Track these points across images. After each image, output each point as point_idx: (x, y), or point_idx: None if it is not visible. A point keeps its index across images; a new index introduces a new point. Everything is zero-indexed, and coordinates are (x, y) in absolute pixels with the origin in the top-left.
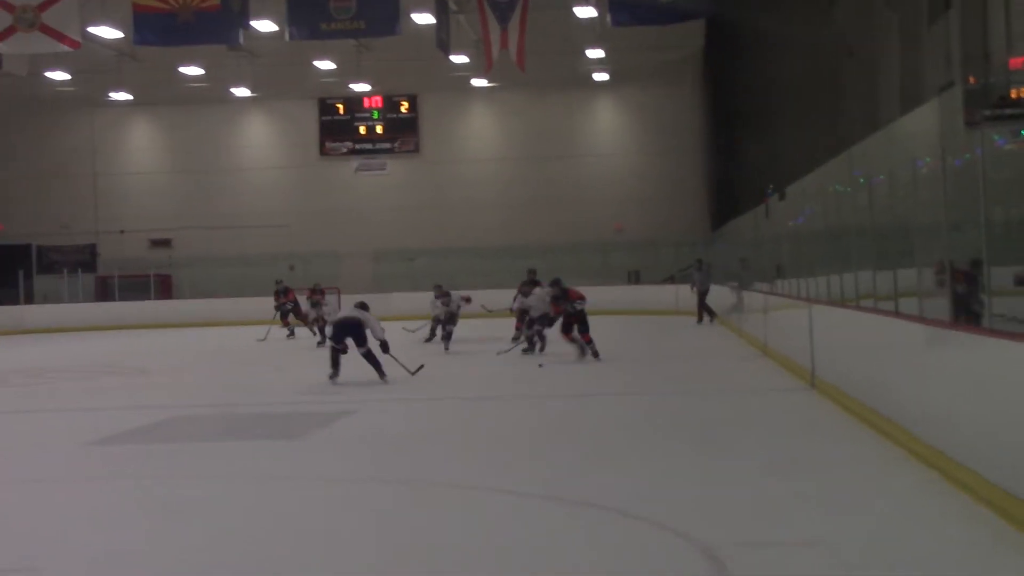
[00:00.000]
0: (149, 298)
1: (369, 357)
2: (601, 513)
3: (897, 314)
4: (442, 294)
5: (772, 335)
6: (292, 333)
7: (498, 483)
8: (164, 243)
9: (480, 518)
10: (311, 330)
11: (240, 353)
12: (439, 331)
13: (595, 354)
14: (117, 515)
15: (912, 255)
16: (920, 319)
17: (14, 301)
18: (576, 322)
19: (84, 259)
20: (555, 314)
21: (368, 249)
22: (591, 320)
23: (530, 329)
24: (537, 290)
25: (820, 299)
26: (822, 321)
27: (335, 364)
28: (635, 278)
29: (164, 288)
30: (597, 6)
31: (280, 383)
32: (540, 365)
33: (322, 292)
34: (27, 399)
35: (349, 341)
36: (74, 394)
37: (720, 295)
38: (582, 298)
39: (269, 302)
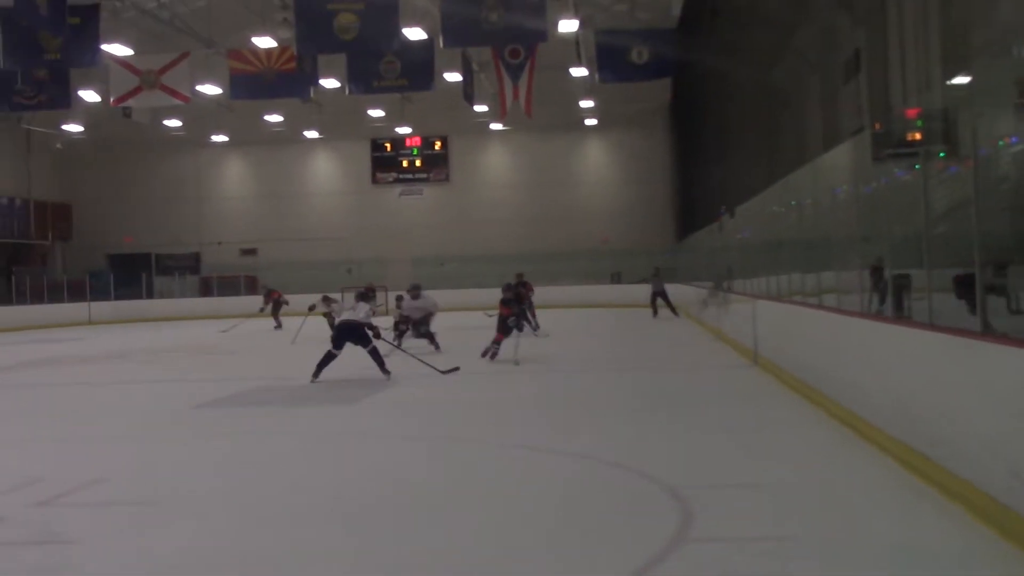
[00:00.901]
0: (240, 294)
1: (374, 355)
2: (589, 462)
3: (820, 307)
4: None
5: (725, 324)
6: (279, 326)
7: (504, 439)
8: (251, 252)
9: (491, 465)
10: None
11: (308, 338)
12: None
13: (492, 354)
14: (216, 463)
15: (831, 262)
16: (838, 310)
17: (138, 296)
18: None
19: (190, 264)
20: (505, 315)
21: (408, 256)
22: (581, 312)
23: (417, 332)
24: (424, 294)
25: (761, 295)
26: (763, 313)
27: (320, 367)
28: (617, 279)
29: (251, 286)
30: (588, 67)
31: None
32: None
33: (374, 291)
34: (147, 372)
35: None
36: (182, 368)
37: (682, 292)
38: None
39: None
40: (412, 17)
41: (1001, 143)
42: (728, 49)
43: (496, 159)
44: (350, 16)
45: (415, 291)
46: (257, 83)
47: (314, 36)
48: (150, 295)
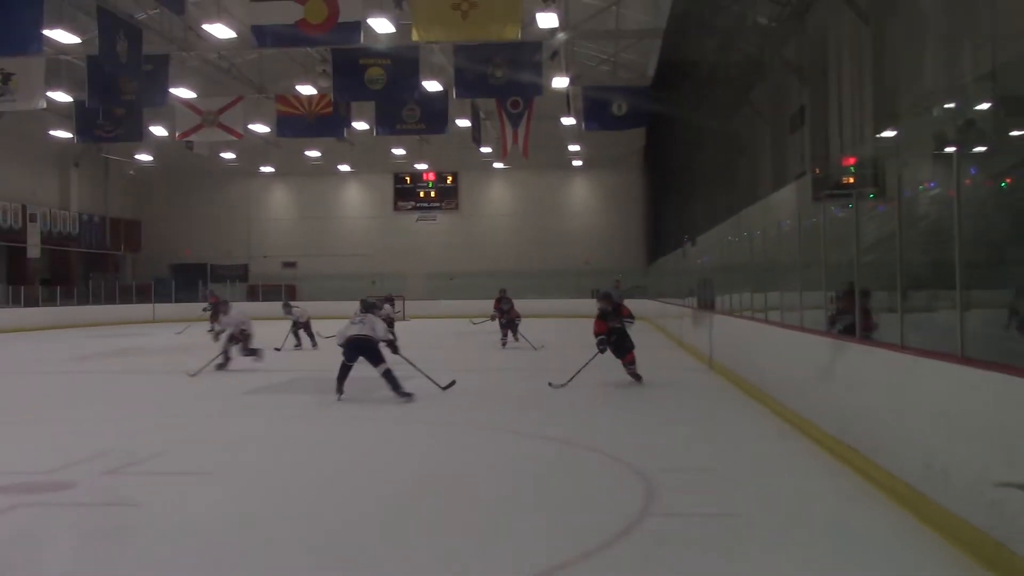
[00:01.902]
0: (281, 300)
1: (387, 377)
2: (570, 447)
3: (766, 321)
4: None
5: (685, 334)
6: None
7: (496, 425)
8: (291, 265)
9: (485, 447)
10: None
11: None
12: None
13: (636, 377)
14: (260, 441)
15: (775, 284)
16: (781, 324)
17: (195, 300)
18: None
19: (240, 274)
20: (598, 332)
21: (424, 271)
22: (565, 322)
23: (245, 349)
24: (233, 310)
25: (717, 311)
26: (718, 325)
27: (340, 382)
28: (597, 295)
29: (291, 294)
30: (576, 117)
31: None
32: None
33: (392, 300)
34: (203, 362)
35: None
36: (233, 362)
37: (650, 307)
38: (631, 316)
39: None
40: (430, 72)
41: (921, 188)
42: (694, 104)
43: (498, 192)
44: (378, 70)
45: (224, 305)
46: (300, 124)
47: (348, 86)
48: (205, 299)
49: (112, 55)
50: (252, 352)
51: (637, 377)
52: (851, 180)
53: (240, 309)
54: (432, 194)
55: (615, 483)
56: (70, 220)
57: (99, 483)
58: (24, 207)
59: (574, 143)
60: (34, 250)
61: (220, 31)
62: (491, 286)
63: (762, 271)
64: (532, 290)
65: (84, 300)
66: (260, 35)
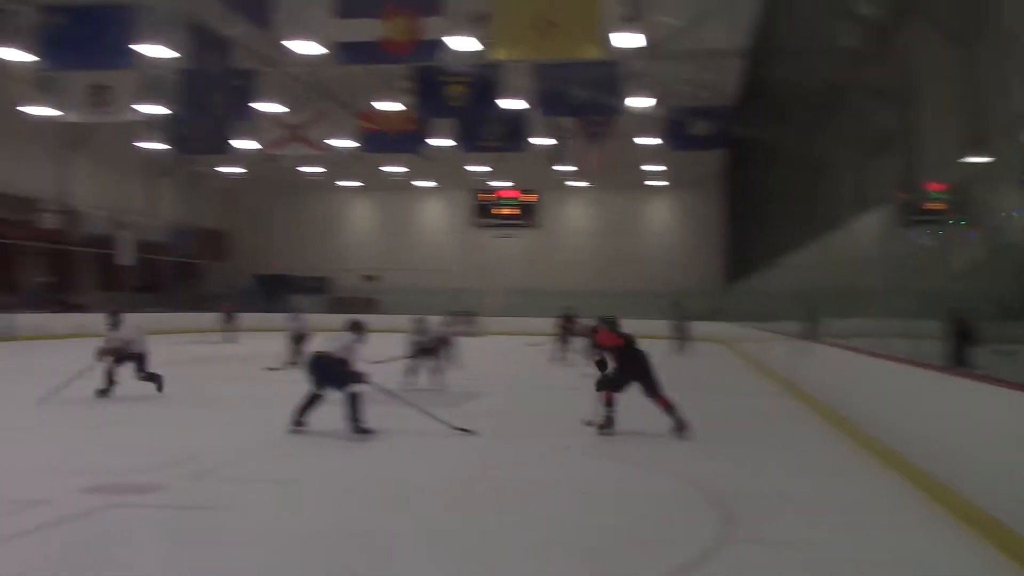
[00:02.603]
0: (360, 313)
1: (349, 404)
2: (643, 469)
3: (856, 349)
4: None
5: (766, 358)
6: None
7: (573, 444)
8: (371, 278)
9: (551, 464)
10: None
11: None
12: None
13: (680, 425)
14: (344, 450)
15: (860, 310)
16: (859, 350)
17: (278, 311)
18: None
19: (321, 286)
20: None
21: (501, 287)
22: (644, 343)
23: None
24: (127, 324)
25: (798, 336)
26: (800, 350)
27: (302, 411)
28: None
29: (370, 307)
30: (656, 137)
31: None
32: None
33: (467, 316)
34: (285, 372)
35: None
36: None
37: (728, 330)
38: (617, 344)
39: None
40: (510, 90)
41: (1016, 214)
42: (776, 125)
43: (577, 211)
44: (459, 87)
45: (116, 316)
46: (381, 139)
47: (430, 103)
48: (287, 310)
49: (202, 70)
50: (150, 377)
51: (680, 425)
52: (939, 206)
53: (136, 324)
54: (510, 211)
55: (693, 507)
56: (159, 229)
57: (185, 486)
58: (116, 216)
59: (654, 163)
60: (125, 258)
61: (305, 47)
62: (569, 304)
63: (846, 296)
64: (610, 309)
65: (172, 308)
66: (344, 52)
